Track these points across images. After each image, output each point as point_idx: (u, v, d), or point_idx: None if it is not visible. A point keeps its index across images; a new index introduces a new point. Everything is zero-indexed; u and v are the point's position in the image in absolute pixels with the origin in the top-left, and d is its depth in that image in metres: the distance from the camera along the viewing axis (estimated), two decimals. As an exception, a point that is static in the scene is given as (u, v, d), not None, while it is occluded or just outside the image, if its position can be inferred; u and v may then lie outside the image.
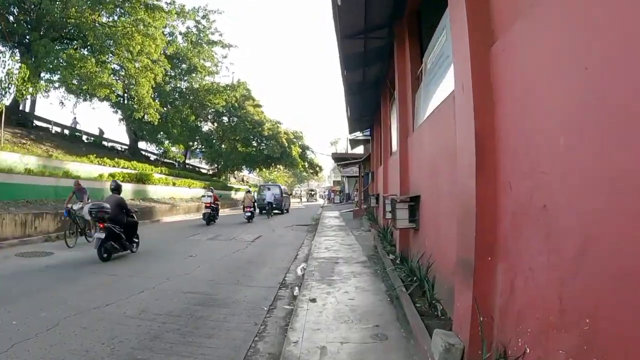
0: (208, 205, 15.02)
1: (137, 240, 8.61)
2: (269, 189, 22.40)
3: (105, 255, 7.36)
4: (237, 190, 34.27)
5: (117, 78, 19.10)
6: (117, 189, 8.58)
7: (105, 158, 17.94)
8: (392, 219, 5.97)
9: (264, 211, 20.66)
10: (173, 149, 30.97)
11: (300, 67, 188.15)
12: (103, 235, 7.24)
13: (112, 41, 16.22)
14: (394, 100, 8.65)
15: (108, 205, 7.60)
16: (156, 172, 21.55)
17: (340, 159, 22.29)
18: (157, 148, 27.62)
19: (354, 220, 17.05)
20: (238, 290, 5.62)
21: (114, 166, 18.00)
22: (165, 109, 25.07)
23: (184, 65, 27.12)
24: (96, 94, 16.36)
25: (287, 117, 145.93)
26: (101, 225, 7.35)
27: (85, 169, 16.22)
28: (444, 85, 4.07)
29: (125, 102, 21.93)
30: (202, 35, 27.01)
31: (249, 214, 16.74)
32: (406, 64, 6.60)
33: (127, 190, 16.91)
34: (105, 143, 26.48)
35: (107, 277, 6.36)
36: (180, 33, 26.20)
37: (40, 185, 12.65)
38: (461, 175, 2.81)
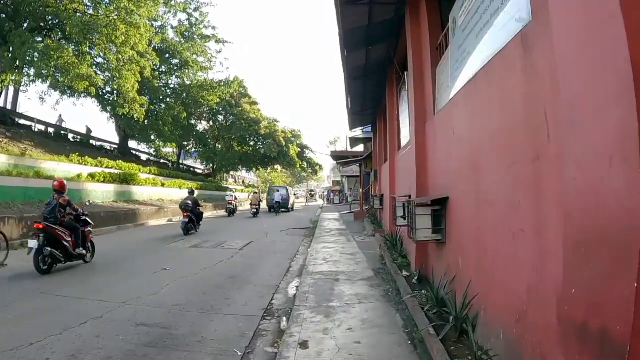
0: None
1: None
2: (277, 190, 25.61)
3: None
4: (233, 191, 32.94)
5: (99, 70, 17.71)
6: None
7: (87, 157, 16.62)
8: (408, 228, 4.65)
9: (272, 209, 23.93)
10: (166, 148, 29.59)
11: (299, 66, 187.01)
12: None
13: (92, 30, 14.89)
14: (404, 84, 7.35)
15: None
16: (145, 172, 20.23)
17: (340, 157, 20.99)
18: (148, 147, 26.22)
19: (355, 222, 15.74)
20: (208, 321, 4.31)
21: (96, 165, 16.69)
22: (155, 105, 23.75)
23: (175, 61, 25.78)
24: (74, 87, 15.02)
25: (285, 117, 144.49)
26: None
27: (63, 168, 14.90)
28: (496, 32, 2.75)
29: (110, 97, 20.54)
30: (194, 29, 25.69)
31: (255, 210, 20.60)
32: (423, 34, 5.30)
33: (109, 191, 15.62)
34: (93, 142, 25.13)
35: (52, 299, 5.07)
36: (172, 27, 24.91)
37: (6, 186, 11.32)
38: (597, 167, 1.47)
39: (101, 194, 14.97)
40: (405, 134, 7.21)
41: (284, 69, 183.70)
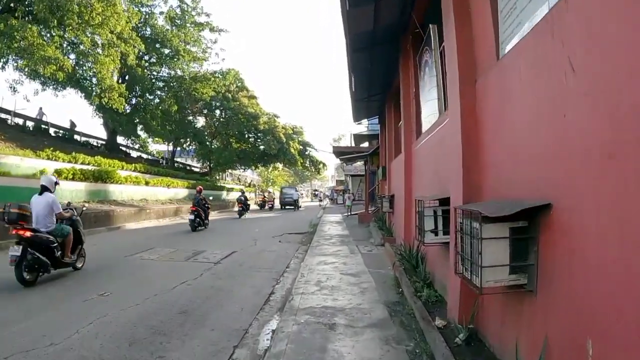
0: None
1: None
2: (289, 190, 33.37)
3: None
4: (229, 190, 31.07)
5: (75, 55, 15.83)
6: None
7: (59, 152, 14.81)
8: (456, 254, 2.65)
9: (284, 207, 30.85)
10: (156, 145, 27.72)
11: (301, 63, 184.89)
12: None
13: (60, 8, 13.06)
14: (426, 50, 5.38)
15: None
16: (128, 170, 18.40)
17: (343, 154, 18.99)
18: (132, 142, 24.34)
19: (360, 227, 13.77)
20: None
21: (69, 161, 14.87)
22: (142, 98, 21.93)
23: (166, 50, 23.92)
24: (39, 71, 13.22)
25: (287, 114, 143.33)
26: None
27: (28, 164, 13.10)
28: None
29: (93, 86, 18.71)
30: (186, 16, 23.82)
31: (270, 206, 28.39)
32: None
33: (79, 190, 13.78)
34: (77, 137, 23.43)
35: None
36: (161, 13, 23.04)
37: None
38: None
39: (69, 193, 13.13)
40: (430, 113, 5.23)
41: (285, 65, 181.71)
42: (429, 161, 5.20)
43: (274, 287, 5.80)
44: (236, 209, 28.18)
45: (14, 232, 5.46)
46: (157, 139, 23.22)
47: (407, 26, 6.92)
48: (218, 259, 8.00)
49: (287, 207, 30.76)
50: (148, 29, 22.34)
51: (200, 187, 15.23)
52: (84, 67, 15.27)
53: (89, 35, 14.62)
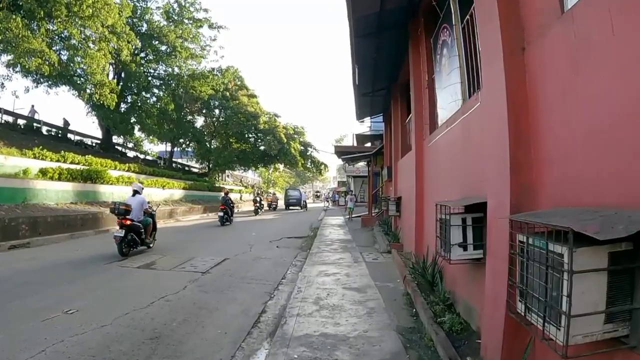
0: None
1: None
2: (293, 191, 35.63)
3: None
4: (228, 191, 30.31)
5: (65, 48, 15.07)
6: None
7: (47, 151, 14.08)
8: (508, 292, 1.85)
9: (289, 207, 32.31)
10: (149, 144, 26.82)
11: (304, 64, 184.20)
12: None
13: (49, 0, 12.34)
14: (444, 28, 4.60)
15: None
16: (122, 170, 17.67)
17: (345, 154, 18.19)
18: (124, 141, 23.52)
19: (363, 231, 12.98)
20: None
21: (57, 160, 14.14)
22: (138, 95, 21.21)
23: (163, 47, 23.17)
24: (24, 65, 12.50)
25: (289, 115, 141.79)
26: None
27: (11, 162, 12.39)
28: None
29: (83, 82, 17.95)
30: (184, 11, 23.10)
31: (274, 207, 29.06)
32: None
33: (66, 191, 13.03)
34: (71, 136, 22.71)
35: None
36: (157, 8, 22.34)
37: None
38: None
39: (55, 194, 12.40)
40: (451, 101, 4.45)
41: (287, 65, 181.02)
42: (448, 158, 4.41)
43: (266, 304, 5.02)
44: (235, 209, 27.52)
45: (121, 221, 7.89)
46: (152, 137, 22.43)
47: (417, 9, 6.15)
48: (207, 268, 7.23)
49: (291, 207, 32.38)
50: (144, 25, 21.64)
51: (227, 189, 19.22)
52: (74, 62, 14.49)
53: (79, 28, 13.89)
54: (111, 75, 23.36)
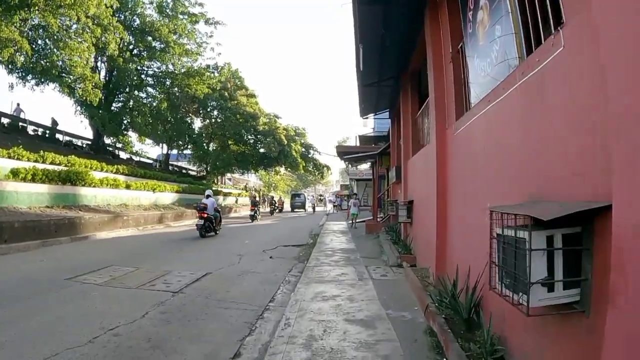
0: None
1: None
2: (298, 196, 40.40)
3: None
4: (227, 194, 29.13)
5: (46, 39, 13.94)
6: None
7: (23, 150, 12.93)
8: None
9: (294, 210, 36.50)
10: (140, 144, 25.42)
11: (306, 66, 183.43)
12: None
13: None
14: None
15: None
16: (110, 171, 16.52)
17: (348, 154, 16.93)
18: (113, 141, 22.27)
19: (368, 238, 11.70)
20: None
21: (35, 161, 13.00)
22: (128, 93, 20.11)
23: (157, 44, 22.08)
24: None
25: (290, 117, 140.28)
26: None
27: (-18, 163, 11.27)
28: None
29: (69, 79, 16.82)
30: (177, 5, 22.02)
31: (280, 209, 30.97)
32: None
33: (41, 193, 11.87)
34: (59, 136, 21.63)
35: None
36: (151, 2, 21.25)
37: None
38: None
39: (27, 197, 11.23)
40: (487, 72, 3.21)
41: (288, 67, 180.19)
42: (493, 144, 3.17)
43: (243, 343, 3.78)
44: (233, 214, 26.30)
45: (200, 214, 11.81)
46: (142, 138, 21.24)
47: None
48: (181, 286, 6.01)
49: (296, 210, 36.71)
50: (136, 20, 20.59)
51: (256, 192, 25.56)
52: (52, 53, 13.37)
53: (58, 17, 12.80)
54: (103, 73, 22.39)
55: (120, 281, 6.41)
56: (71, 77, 13.58)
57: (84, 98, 14.40)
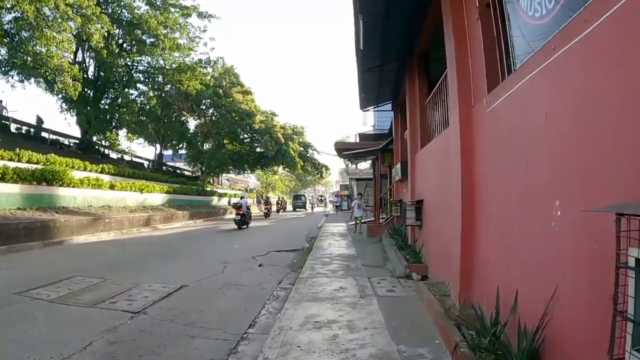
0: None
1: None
2: (300, 197, 44.82)
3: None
4: (221, 195, 28.05)
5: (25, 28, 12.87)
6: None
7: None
8: None
9: (297, 209, 40.67)
10: (128, 142, 24.17)
11: (303, 66, 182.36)
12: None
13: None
14: None
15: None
16: (94, 171, 15.47)
17: (347, 151, 15.83)
18: (100, 139, 21.09)
19: (369, 242, 10.64)
20: None
21: (10, 159, 11.96)
22: (116, 89, 19.06)
23: (147, 39, 21.01)
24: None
25: (289, 117, 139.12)
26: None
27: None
28: None
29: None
30: (169, -3, 20.97)
31: (282, 209, 34.76)
32: None
33: (11, 194, 10.84)
34: (45, 135, 20.62)
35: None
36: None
37: None
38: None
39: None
40: (548, 15, 2.16)
41: (285, 67, 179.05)
42: (569, 110, 2.10)
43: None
44: (229, 216, 25.22)
45: (237, 211, 15.40)
46: (130, 135, 20.15)
47: None
48: (146, 303, 4.98)
49: (298, 209, 41.05)
50: (124, 12, 19.55)
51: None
52: (27, 43, 12.33)
53: (35, 3, 11.76)
54: (91, 69, 21.38)
55: (78, 297, 5.39)
56: (48, 69, 12.53)
57: (64, 92, 13.34)
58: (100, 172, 15.95)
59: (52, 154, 13.93)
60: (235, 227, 15.30)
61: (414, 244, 7.16)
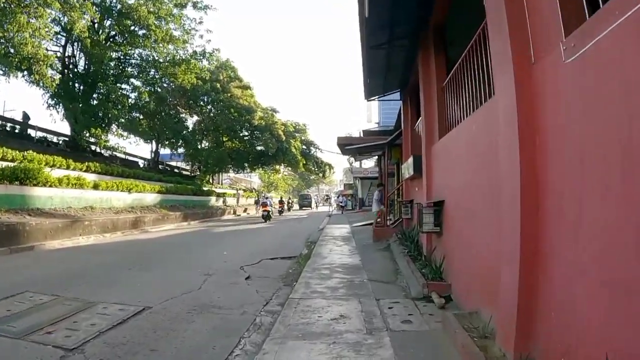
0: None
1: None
2: (306, 197, 51.60)
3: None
4: (220, 195, 26.93)
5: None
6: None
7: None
8: None
9: (303, 207, 47.08)
10: (116, 139, 22.74)
11: (306, 65, 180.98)
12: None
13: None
14: None
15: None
16: (78, 169, 14.38)
17: (350, 145, 14.52)
18: (87, 136, 19.85)
19: (376, 248, 9.39)
20: None
21: (-20, 157, 10.90)
22: (105, 83, 17.96)
23: (136, 28, 19.83)
24: None
25: (290, 114, 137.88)
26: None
27: None
28: None
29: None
30: (161, -14, 19.82)
31: (288, 208, 35.94)
32: None
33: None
34: (32, 132, 19.58)
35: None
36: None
37: None
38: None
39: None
40: None
41: (288, 65, 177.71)
42: None
43: None
44: (228, 217, 24.12)
45: (263, 208, 20.76)
46: (119, 132, 19.03)
47: None
48: (89, 335, 3.85)
49: (304, 207, 46.92)
50: (114, 0, 18.44)
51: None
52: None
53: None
54: (82, 64, 20.31)
55: (12, 322, 4.27)
56: (22, 57, 11.43)
57: (42, 83, 12.23)
58: (86, 171, 14.86)
59: (30, 151, 12.84)
60: (263, 220, 20.17)
61: (430, 255, 5.92)
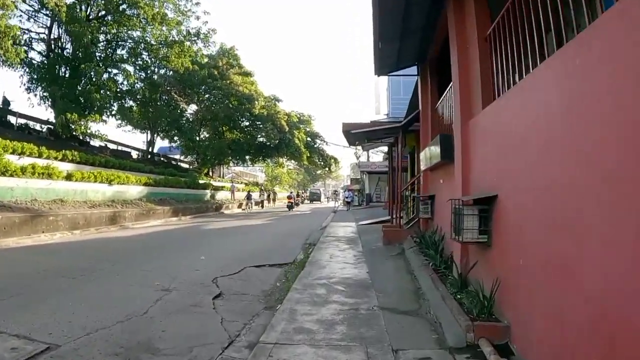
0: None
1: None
2: (315, 192, 58.21)
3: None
4: (217, 188, 25.35)
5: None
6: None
7: None
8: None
9: (312, 201, 51.68)
10: (96, 124, 21.06)
11: (314, 55, 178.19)
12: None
13: None
14: None
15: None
16: (53, 158, 12.88)
17: (357, 129, 12.67)
18: (63, 120, 18.09)
19: (387, 254, 7.67)
20: None
21: None
22: (88, 64, 16.38)
23: (124, 7, 18.20)
24: None
25: (296, 105, 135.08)
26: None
27: None
28: None
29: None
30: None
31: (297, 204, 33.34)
32: None
33: None
34: (12, 119, 18.14)
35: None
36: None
37: None
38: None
39: None
40: None
41: (295, 54, 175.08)
42: None
43: None
44: (226, 211, 22.59)
45: (289, 200, 27.62)
46: (98, 116, 17.45)
47: None
48: None
49: (314, 201, 52.51)
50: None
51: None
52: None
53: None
54: (69, 47, 18.75)
55: None
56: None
57: (8, 61, 10.68)
58: (62, 160, 13.35)
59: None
60: (287, 209, 23.16)
61: (467, 273, 4.18)
